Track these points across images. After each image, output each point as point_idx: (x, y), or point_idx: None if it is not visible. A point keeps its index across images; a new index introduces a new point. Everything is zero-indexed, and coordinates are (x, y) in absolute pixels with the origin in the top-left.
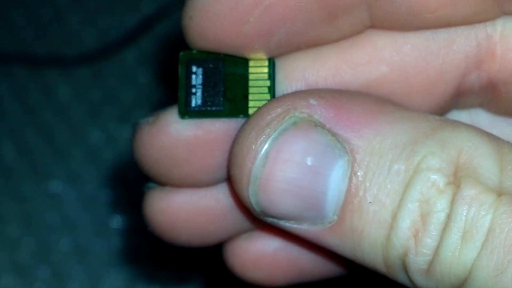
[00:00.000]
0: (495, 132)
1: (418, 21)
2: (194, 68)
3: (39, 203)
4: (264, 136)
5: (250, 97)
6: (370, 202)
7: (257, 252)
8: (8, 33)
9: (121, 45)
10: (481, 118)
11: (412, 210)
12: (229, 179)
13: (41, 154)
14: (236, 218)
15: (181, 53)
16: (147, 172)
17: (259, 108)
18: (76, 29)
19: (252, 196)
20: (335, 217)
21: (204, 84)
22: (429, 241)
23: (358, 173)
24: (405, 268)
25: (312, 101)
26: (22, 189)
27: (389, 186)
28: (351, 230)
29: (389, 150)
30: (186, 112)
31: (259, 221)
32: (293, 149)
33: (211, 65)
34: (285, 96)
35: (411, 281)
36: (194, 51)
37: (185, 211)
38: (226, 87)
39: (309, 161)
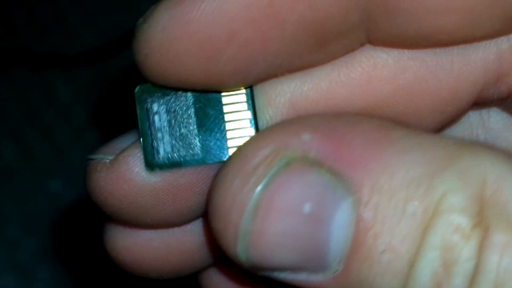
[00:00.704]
0: (508, 134)
1: (428, 42)
2: (155, 107)
3: (39, 203)
4: (251, 185)
5: (229, 134)
6: (382, 251)
7: (238, 279)
8: (8, 33)
9: (121, 45)
10: (494, 120)
11: (433, 259)
12: (206, 223)
13: (41, 154)
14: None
15: (137, 89)
16: (108, 215)
17: (241, 146)
18: (76, 29)
19: (241, 253)
20: (340, 267)
21: (170, 125)
22: None
23: (366, 217)
24: None
25: (305, 136)
26: (22, 189)
27: (404, 231)
28: (359, 281)
29: (401, 187)
30: (154, 165)
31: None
32: (287, 197)
33: (176, 100)
34: (272, 130)
35: None
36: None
37: (154, 248)
38: (198, 126)
39: (306, 209)
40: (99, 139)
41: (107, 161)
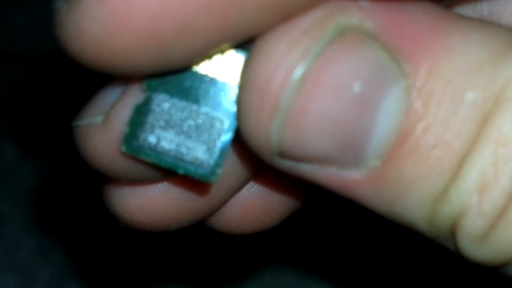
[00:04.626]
0: None
1: None
2: (153, 138)
3: (39, 203)
4: (301, 50)
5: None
6: (432, 145)
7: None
8: (8, 33)
9: None
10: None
11: (485, 156)
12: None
13: (41, 154)
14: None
15: (123, 147)
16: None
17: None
18: None
19: (274, 133)
20: (377, 162)
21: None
22: (497, 198)
23: (418, 105)
24: (453, 231)
25: (363, 3)
26: (22, 189)
27: (460, 122)
28: (396, 180)
29: (461, 71)
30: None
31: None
32: (338, 72)
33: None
34: None
35: (458, 249)
36: (127, 129)
37: (172, 199)
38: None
39: (356, 88)
40: None
41: (98, 122)
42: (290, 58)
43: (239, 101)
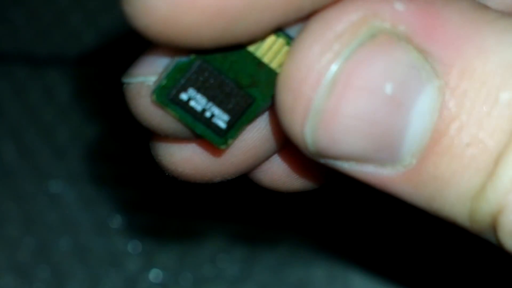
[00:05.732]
0: None
1: None
2: (184, 96)
3: (39, 203)
4: (332, 54)
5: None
6: (467, 144)
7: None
8: (8, 33)
9: (121, 45)
10: None
11: None
12: (273, 105)
13: (41, 154)
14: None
15: (154, 96)
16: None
17: (324, 11)
18: (76, 29)
19: (309, 133)
20: (413, 161)
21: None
22: None
23: (451, 104)
24: (494, 227)
25: (398, 5)
26: (22, 189)
27: (494, 122)
28: (433, 177)
29: (496, 72)
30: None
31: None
32: (369, 73)
33: (200, 73)
34: None
35: (500, 244)
36: (164, 81)
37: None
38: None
39: (388, 89)
40: (100, 139)
41: (150, 83)
42: (321, 62)
43: (276, 96)
